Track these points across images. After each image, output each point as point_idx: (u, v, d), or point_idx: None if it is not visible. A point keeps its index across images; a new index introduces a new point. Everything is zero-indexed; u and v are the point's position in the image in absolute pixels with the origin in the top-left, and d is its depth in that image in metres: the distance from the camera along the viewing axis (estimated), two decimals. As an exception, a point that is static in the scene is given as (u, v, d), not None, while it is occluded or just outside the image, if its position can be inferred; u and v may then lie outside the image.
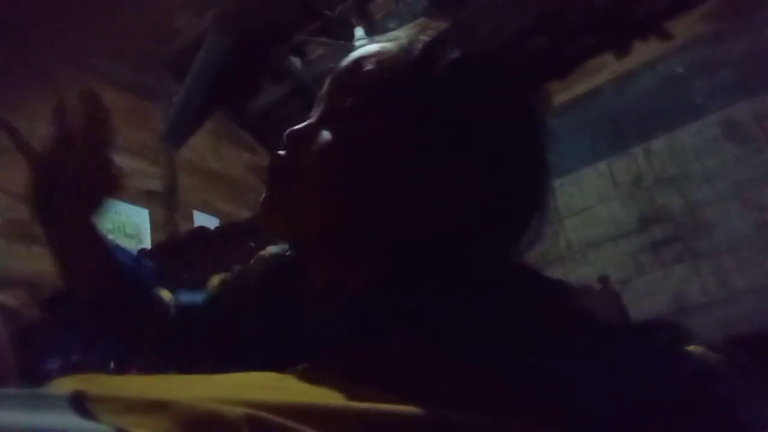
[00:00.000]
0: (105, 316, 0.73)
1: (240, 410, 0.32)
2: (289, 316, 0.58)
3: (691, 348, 0.45)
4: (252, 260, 0.69)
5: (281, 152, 0.58)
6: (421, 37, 0.57)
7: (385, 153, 0.53)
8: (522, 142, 0.57)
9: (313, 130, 0.56)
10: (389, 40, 0.59)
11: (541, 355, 0.41)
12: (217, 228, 2.61)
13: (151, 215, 3.27)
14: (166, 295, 0.75)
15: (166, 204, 3.33)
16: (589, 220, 3.17)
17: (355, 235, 0.53)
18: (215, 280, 0.74)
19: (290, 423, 0.33)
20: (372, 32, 3.08)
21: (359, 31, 3.05)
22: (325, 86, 0.60)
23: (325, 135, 0.55)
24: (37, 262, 2.63)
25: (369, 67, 0.56)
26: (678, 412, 0.39)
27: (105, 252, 0.74)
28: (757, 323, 2.55)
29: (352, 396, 0.36)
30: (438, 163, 0.53)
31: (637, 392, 0.40)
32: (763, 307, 2.59)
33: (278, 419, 0.33)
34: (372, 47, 0.59)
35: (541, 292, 0.51)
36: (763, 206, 2.75)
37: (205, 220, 3.44)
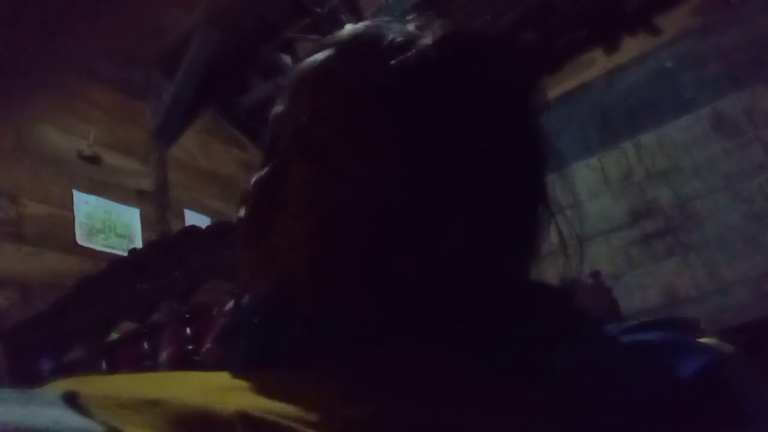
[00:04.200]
0: None
1: (233, 407, 0.32)
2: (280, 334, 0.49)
3: (704, 340, 0.45)
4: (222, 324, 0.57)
5: (248, 210, 0.48)
6: (413, 38, 0.48)
7: (387, 192, 0.45)
8: (533, 167, 0.52)
9: (285, 177, 0.47)
10: (366, 40, 0.49)
11: (548, 357, 0.41)
12: (208, 226, 2.61)
13: (141, 214, 3.26)
14: None
15: (156, 203, 3.32)
16: (581, 215, 3.17)
17: (354, 277, 0.46)
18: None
19: (284, 421, 0.33)
20: (362, 28, 3.07)
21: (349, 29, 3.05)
22: (291, 102, 0.49)
23: (307, 182, 0.46)
24: (27, 262, 2.62)
25: (348, 80, 0.46)
26: (693, 403, 0.39)
27: None
28: (748, 314, 2.57)
29: (346, 397, 0.35)
30: (446, 191, 0.45)
31: (651, 387, 0.40)
32: (753, 298, 2.61)
33: (271, 417, 0.33)
34: (340, 53, 0.48)
35: (545, 294, 0.50)
36: (752, 198, 2.77)
37: (196, 218, 3.42)
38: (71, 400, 0.32)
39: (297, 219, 0.46)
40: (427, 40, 0.48)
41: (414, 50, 0.47)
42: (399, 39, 0.48)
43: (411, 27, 0.50)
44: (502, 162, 0.49)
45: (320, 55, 0.49)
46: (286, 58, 3.30)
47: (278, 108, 0.51)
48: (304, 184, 0.46)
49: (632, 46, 3.23)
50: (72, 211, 2.90)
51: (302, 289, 0.47)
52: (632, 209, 3.07)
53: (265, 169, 0.49)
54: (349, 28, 0.52)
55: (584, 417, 0.38)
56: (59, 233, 2.81)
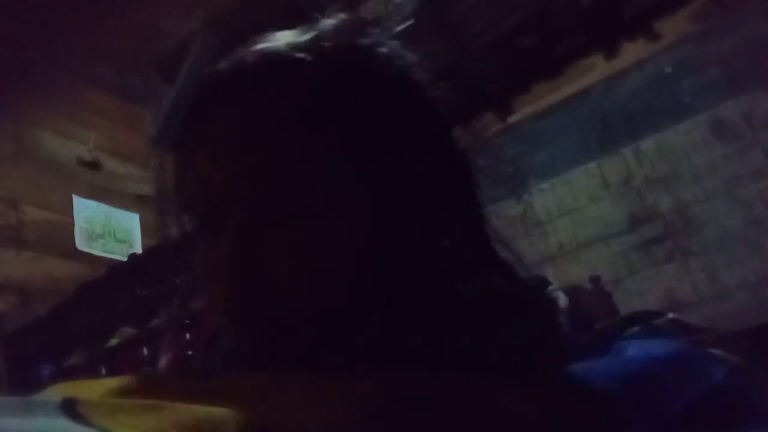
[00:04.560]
0: None
1: (232, 413, 0.32)
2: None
3: (714, 351, 0.45)
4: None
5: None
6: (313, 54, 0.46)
7: (371, 206, 0.44)
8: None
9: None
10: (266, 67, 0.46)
11: (548, 358, 0.41)
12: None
13: (141, 219, 3.26)
14: None
15: (156, 208, 3.32)
16: (580, 220, 3.18)
17: (354, 287, 0.45)
18: None
19: (286, 423, 0.33)
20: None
21: (349, 33, 3.05)
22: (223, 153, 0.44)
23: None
24: (27, 268, 2.62)
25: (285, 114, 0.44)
26: (703, 416, 0.39)
27: None
28: (748, 320, 2.57)
29: (346, 399, 0.35)
30: (420, 197, 0.45)
31: (660, 398, 0.40)
32: (753, 303, 2.61)
33: (272, 421, 0.32)
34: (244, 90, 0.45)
35: (541, 294, 0.50)
36: (751, 203, 2.77)
37: (196, 223, 3.42)
38: (70, 407, 0.32)
39: (289, 244, 0.44)
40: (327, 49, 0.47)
41: (321, 66, 0.45)
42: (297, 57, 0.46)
43: (295, 38, 0.49)
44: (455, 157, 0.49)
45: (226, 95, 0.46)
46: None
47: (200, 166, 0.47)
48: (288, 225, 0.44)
49: (631, 51, 3.24)
50: (72, 216, 2.90)
51: (304, 301, 0.45)
52: (632, 214, 3.07)
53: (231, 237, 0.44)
54: (233, 60, 0.49)
55: (585, 419, 0.38)
56: (59, 238, 2.81)
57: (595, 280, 2.87)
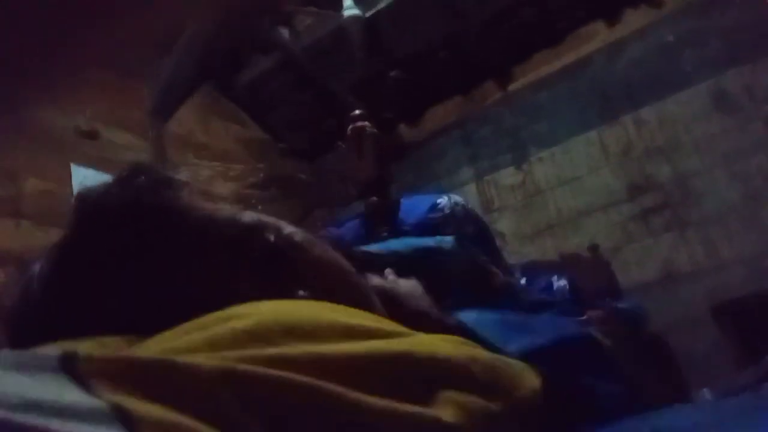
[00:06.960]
0: None
1: (215, 363, 0.31)
2: None
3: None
4: None
5: None
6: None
7: None
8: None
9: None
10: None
11: None
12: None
13: (140, 190, 3.24)
14: None
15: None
16: (580, 189, 3.18)
17: None
18: None
19: (273, 372, 0.31)
20: (360, 1, 3.05)
21: (348, 1, 3.02)
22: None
23: None
24: (26, 239, 2.62)
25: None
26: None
27: None
28: (744, 291, 2.58)
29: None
30: None
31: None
32: (750, 275, 2.62)
33: (259, 370, 0.31)
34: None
35: None
36: (750, 176, 2.77)
37: (195, 193, 3.41)
38: (69, 364, 0.28)
39: None
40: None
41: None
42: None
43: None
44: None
45: None
46: (284, 32, 3.27)
47: None
48: None
49: (633, 19, 3.20)
50: (71, 187, 2.89)
51: None
52: (631, 184, 3.07)
53: None
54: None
55: None
56: (58, 209, 2.81)
57: (593, 248, 2.88)
